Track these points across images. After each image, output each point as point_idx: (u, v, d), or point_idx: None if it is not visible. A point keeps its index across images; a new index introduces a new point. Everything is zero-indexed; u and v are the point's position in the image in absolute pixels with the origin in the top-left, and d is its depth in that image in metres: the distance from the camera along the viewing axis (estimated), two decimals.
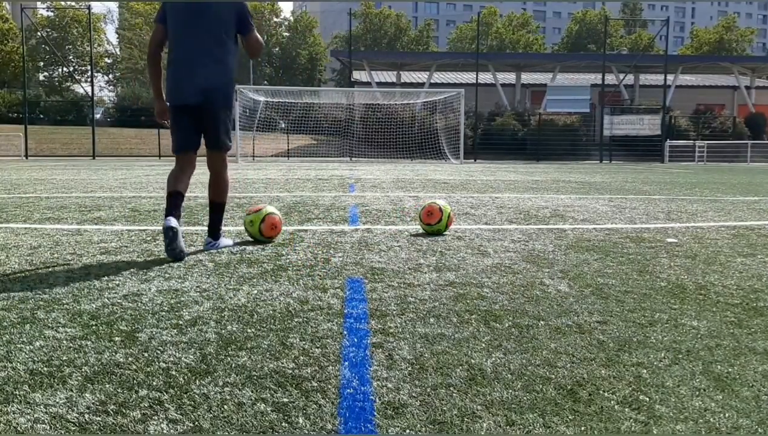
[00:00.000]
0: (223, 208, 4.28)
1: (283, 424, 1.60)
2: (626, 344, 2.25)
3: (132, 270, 3.44)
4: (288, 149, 30.18)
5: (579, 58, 41.88)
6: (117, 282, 3.15)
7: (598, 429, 1.59)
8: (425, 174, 15.64)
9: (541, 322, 2.52)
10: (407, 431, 1.57)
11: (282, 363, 2.02)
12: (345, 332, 2.36)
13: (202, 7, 3.90)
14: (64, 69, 51.07)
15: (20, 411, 1.65)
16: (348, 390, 1.81)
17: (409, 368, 1.99)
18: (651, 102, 35.46)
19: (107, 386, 1.83)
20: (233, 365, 2.00)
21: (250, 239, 4.49)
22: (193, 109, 3.94)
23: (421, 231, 5.02)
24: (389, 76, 41.73)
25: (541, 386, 1.85)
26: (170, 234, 3.68)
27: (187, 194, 4.20)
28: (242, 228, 4.71)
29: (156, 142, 30.11)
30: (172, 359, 2.05)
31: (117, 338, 2.26)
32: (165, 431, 1.55)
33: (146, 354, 2.10)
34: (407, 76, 41.81)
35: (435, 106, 30.83)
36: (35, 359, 2.04)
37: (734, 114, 37.99)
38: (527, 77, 40.51)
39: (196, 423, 1.60)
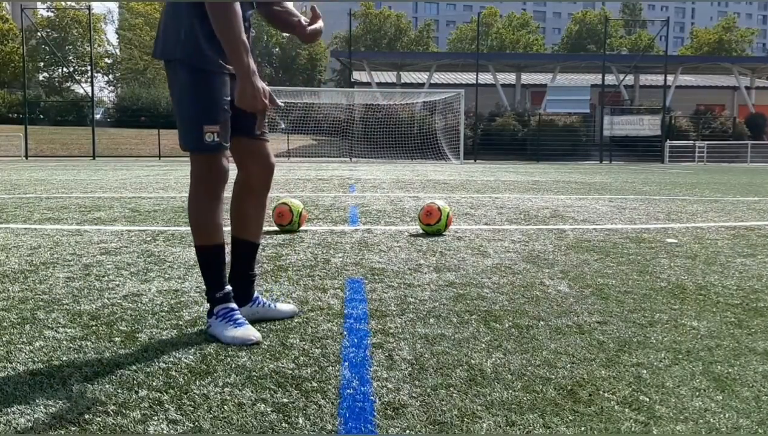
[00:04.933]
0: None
1: (283, 424, 1.60)
2: (626, 345, 2.25)
3: (132, 270, 3.44)
4: (288, 149, 30.16)
5: (579, 59, 41.86)
6: (117, 282, 3.15)
7: (598, 429, 1.59)
8: (425, 174, 15.63)
9: (541, 322, 2.52)
10: (407, 431, 1.57)
11: (282, 363, 2.02)
12: (345, 333, 2.36)
13: None
14: (64, 69, 51.03)
15: (20, 411, 1.65)
16: (348, 390, 1.81)
17: (409, 369, 1.99)
18: (651, 102, 35.46)
19: (107, 386, 1.82)
20: (233, 366, 2.00)
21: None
22: None
23: (420, 231, 5.02)
24: (389, 77, 41.71)
25: (541, 386, 1.85)
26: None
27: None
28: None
29: (156, 142, 30.11)
30: (172, 359, 2.05)
31: (117, 338, 2.26)
32: (165, 432, 1.55)
33: (146, 354, 2.10)
34: (407, 77, 41.79)
35: (435, 107, 30.82)
36: (35, 359, 2.04)
37: (734, 114, 37.98)
38: (527, 77, 40.49)
39: (196, 423, 1.60)
